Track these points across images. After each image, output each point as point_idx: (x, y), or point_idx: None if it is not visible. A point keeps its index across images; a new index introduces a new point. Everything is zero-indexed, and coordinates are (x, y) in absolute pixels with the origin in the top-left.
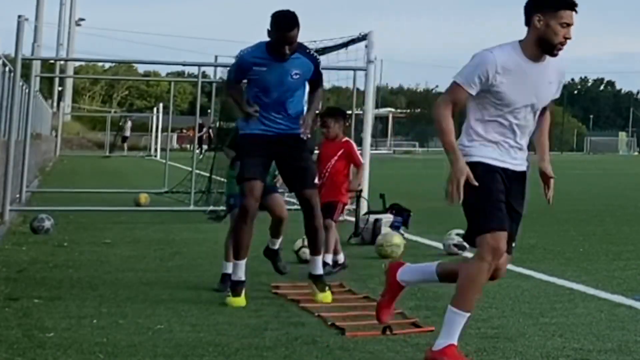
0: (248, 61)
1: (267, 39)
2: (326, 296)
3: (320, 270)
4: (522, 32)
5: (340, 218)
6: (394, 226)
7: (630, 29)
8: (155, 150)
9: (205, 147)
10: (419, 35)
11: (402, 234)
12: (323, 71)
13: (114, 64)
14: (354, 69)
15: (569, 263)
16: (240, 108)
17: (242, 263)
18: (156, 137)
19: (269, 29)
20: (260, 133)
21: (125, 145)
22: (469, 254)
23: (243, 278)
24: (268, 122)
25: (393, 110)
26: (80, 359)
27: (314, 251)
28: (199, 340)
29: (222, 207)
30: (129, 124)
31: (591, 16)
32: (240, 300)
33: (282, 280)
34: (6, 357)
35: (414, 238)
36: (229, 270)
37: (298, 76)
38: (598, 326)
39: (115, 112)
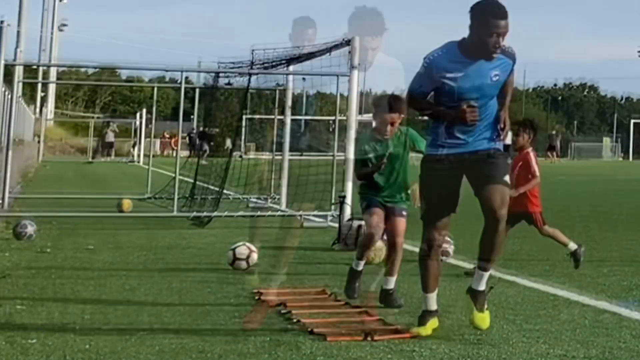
0: (441, 66)
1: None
2: (483, 318)
3: (482, 286)
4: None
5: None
6: None
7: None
8: (139, 156)
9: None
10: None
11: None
12: (306, 77)
13: (97, 69)
14: (338, 75)
15: (553, 269)
16: (448, 117)
17: (433, 295)
18: (140, 142)
19: (472, 22)
20: (451, 153)
21: (107, 152)
22: (452, 261)
23: (434, 307)
24: (461, 136)
25: None
26: None
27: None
28: (182, 346)
29: (206, 213)
30: (112, 129)
31: (575, 21)
32: (425, 330)
33: (265, 286)
34: None
35: None
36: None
37: (497, 77)
38: (582, 332)
39: (98, 117)
